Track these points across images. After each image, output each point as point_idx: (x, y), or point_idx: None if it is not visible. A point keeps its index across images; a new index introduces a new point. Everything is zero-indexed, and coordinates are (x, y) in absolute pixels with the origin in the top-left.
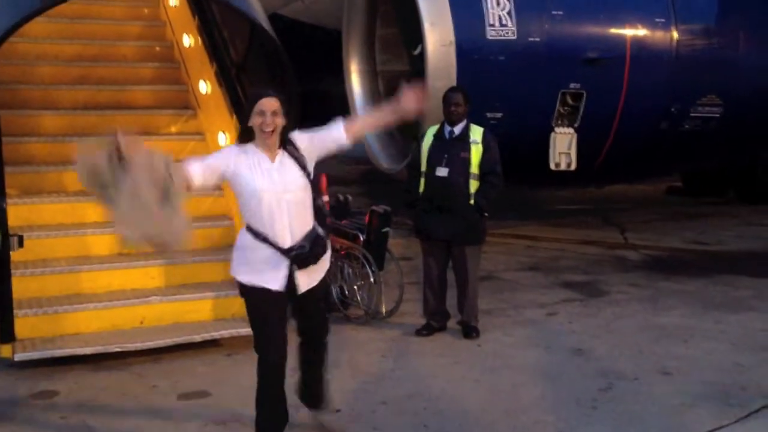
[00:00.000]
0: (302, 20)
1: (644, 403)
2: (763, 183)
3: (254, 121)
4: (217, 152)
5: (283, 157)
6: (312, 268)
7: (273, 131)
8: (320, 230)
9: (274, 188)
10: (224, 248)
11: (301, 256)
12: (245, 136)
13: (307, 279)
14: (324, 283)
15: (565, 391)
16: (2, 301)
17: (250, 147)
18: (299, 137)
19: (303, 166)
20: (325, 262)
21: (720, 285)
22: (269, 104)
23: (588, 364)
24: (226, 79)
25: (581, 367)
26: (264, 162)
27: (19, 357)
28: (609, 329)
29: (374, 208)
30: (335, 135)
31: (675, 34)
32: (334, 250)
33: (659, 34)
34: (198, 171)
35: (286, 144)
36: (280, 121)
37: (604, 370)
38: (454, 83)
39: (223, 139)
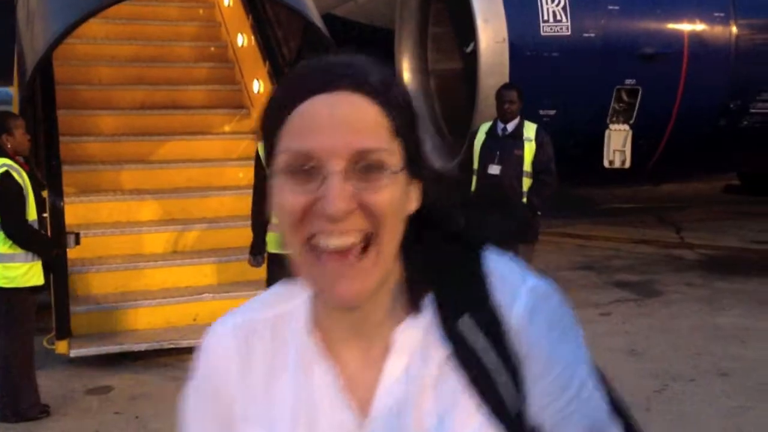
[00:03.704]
0: (355, 20)
1: (701, 405)
2: None
3: (282, 200)
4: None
5: (421, 370)
6: None
7: (360, 250)
8: None
9: None
10: None
11: None
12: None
13: None
14: None
15: (619, 392)
16: (59, 298)
17: (285, 318)
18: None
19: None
20: None
21: None
22: (343, 118)
23: (642, 364)
24: (279, 77)
25: (635, 368)
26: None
27: (75, 353)
28: (664, 329)
29: None
30: None
31: (734, 29)
32: None
33: (718, 29)
34: None
35: (450, 320)
36: (394, 205)
37: (659, 371)
38: (506, 80)
39: None
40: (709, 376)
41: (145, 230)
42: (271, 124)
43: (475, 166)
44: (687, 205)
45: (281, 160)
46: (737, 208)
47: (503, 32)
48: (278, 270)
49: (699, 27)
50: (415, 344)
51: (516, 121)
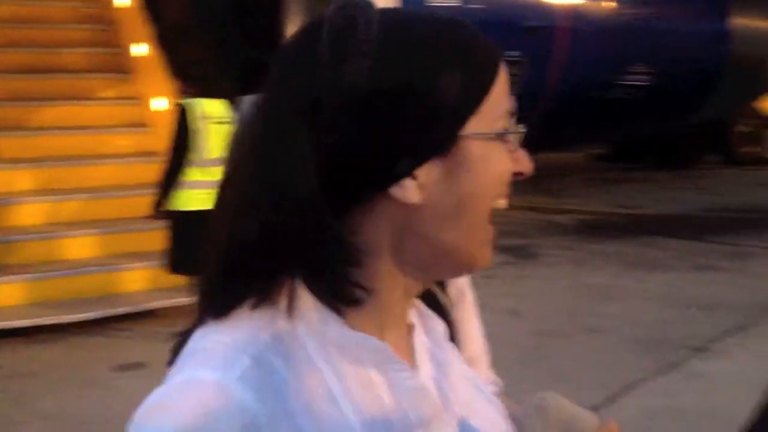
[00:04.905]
0: None
1: (576, 359)
2: (683, 151)
3: (498, 166)
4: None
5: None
6: None
7: None
8: None
9: None
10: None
11: None
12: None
13: None
14: None
15: (502, 351)
16: None
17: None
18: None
19: None
20: None
21: (642, 246)
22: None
23: (523, 324)
24: (164, 41)
25: (516, 328)
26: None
27: None
28: (542, 291)
29: None
30: None
31: (612, 4)
32: None
33: (598, 4)
34: None
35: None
36: None
37: (537, 330)
38: None
39: (159, 105)
40: (583, 333)
41: (24, 200)
42: (479, 88)
43: None
44: (560, 172)
45: (503, 124)
46: (608, 176)
47: (393, 0)
48: (183, 231)
49: (580, 1)
50: (414, 315)
51: None
